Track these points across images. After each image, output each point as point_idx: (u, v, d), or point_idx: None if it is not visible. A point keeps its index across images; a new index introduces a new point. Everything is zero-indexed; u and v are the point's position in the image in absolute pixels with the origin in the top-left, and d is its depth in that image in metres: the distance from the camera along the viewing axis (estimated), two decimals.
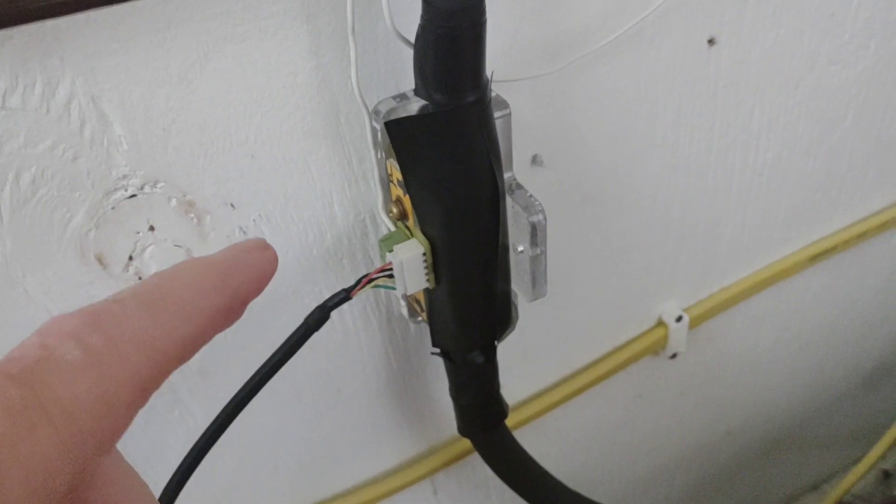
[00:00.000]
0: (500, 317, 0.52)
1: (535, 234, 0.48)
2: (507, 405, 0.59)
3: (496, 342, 0.54)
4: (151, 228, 0.45)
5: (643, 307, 0.76)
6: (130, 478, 0.22)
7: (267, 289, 0.46)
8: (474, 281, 0.49)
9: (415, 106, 0.48)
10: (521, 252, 0.50)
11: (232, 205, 0.46)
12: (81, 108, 0.39)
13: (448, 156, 0.43)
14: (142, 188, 0.43)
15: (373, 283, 0.49)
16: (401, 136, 0.42)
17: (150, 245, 0.45)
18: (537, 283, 0.51)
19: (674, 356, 0.80)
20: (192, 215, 0.45)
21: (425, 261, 0.48)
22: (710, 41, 0.60)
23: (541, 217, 0.48)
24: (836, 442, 1.23)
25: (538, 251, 0.49)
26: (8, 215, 0.40)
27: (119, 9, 0.37)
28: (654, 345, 0.77)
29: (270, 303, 0.52)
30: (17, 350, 0.20)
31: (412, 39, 0.40)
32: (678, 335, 0.77)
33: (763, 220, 0.77)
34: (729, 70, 0.62)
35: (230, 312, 0.25)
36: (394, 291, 0.55)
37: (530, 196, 0.49)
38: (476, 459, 0.73)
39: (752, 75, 0.64)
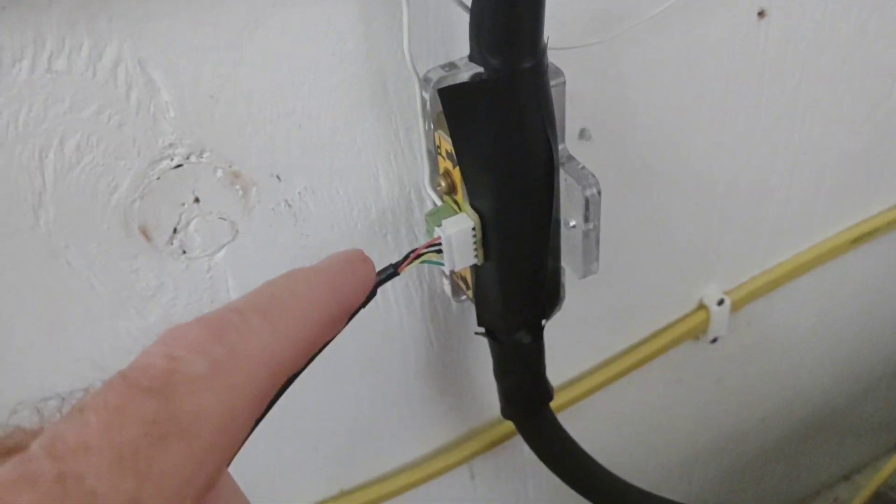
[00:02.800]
0: (549, 295, 0.51)
1: (589, 208, 0.47)
2: (552, 387, 0.58)
3: (544, 322, 0.52)
4: (196, 200, 0.43)
5: (684, 290, 0.74)
6: (237, 491, 0.23)
7: (308, 262, 0.45)
8: (525, 257, 0.47)
9: (465, 75, 0.47)
10: (573, 227, 0.49)
11: (278, 177, 0.45)
12: (128, 73, 0.38)
13: (502, 125, 0.41)
14: (188, 157, 0.42)
15: (421, 259, 0.47)
16: (453, 103, 0.41)
17: (195, 217, 0.44)
18: (589, 259, 0.50)
19: (714, 340, 0.78)
20: (237, 187, 0.44)
21: (474, 236, 0.47)
22: (761, 13, 0.58)
23: (595, 190, 0.46)
24: (868, 430, 1.21)
25: (591, 226, 0.48)
26: (52, 183, 0.39)
27: None
28: (695, 329, 0.75)
29: None
30: (142, 359, 0.19)
31: (467, 4, 0.39)
32: (719, 319, 0.75)
33: (805, 201, 0.75)
34: (777, 44, 0.60)
35: (337, 322, 0.26)
36: (439, 268, 0.53)
37: (583, 168, 0.48)
38: (514, 444, 0.72)
39: (800, 50, 0.62)
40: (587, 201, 0.47)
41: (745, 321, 0.81)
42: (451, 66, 0.47)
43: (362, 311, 0.47)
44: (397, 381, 0.61)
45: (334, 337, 0.26)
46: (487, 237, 0.47)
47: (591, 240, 0.49)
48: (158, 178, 0.42)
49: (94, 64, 0.37)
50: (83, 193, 0.40)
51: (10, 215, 0.39)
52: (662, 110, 0.58)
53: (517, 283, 0.49)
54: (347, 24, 0.42)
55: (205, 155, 0.42)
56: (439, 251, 0.48)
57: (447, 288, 0.56)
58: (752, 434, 1.02)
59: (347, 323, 0.48)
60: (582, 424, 0.77)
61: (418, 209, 0.52)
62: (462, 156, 0.43)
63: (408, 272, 0.55)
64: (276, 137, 0.44)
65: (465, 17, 0.43)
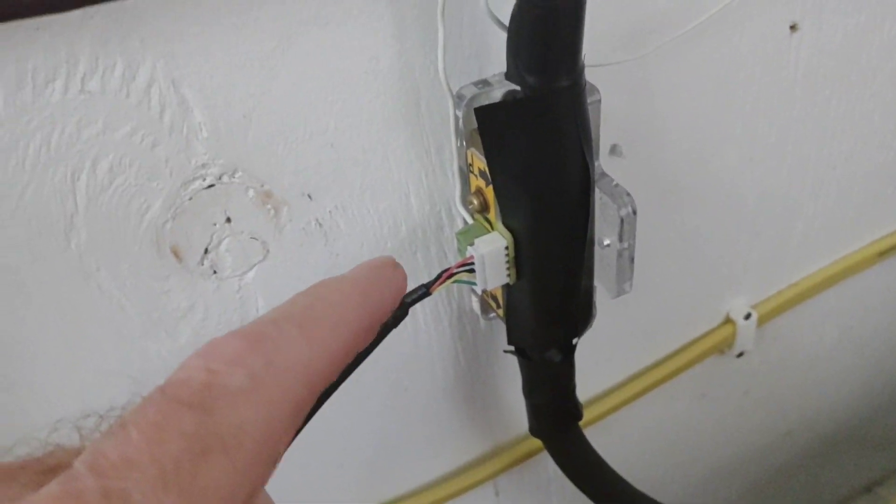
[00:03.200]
0: (581, 314, 0.50)
1: (624, 228, 0.46)
2: (581, 406, 0.57)
3: (575, 340, 0.52)
4: (228, 220, 0.43)
5: (711, 304, 0.73)
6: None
7: None
8: (559, 276, 0.47)
9: (498, 92, 0.46)
10: (607, 246, 0.48)
11: (309, 196, 0.44)
12: (162, 93, 0.37)
13: (539, 143, 0.41)
14: (220, 178, 0.41)
15: (453, 279, 0.47)
16: (490, 122, 0.40)
17: (226, 237, 0.43)
18: (622, 278, 0.49)
19: (740, 355, 0.77)
20: (269, 206, 0.43)
21: (507, 255, 0.46)
22: (792, 27, 0.57)
23: (630, 210, 0.46)
24: (890, 443, 1.20)
25: (625, 245, 0.47)
26: (84, 205, 0.39)
27: None
28: (721, 343, 0.74)
29: None
30: (181, 373, 0.19)
31: (505, 22, 0.38)
32: (746, 333, 0.74)
33: (833, 214, 0.74)
34: (809, 57, 0.59)
35: (369, 331, 0.25)
36: (468, 286, 0.53)
37: (617, 186, 0.47)
38: (539, 461, 0.71)
39: (832, 63, 0.61)
40: (622, 220, 0.46)
41: (770, 335, 0.80)
42: (485, 83, 0.46)
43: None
44: (424, 398, 0.60)
45: (366, 345, 0.26)
46: (520, 256, 0.46)
47: (626, 259, 0.48)
48: (190, 199, 0.41)
49: (128, 84, 0.36)
50: (115, 215, 0.40)
51: (42, 239, 0.38)
52: (693, 125, 0.57)
53: (550, 302, 0.48)
54: (381, 42, 0.41)
55: (237, 175, 0.42)
56: (471, 270, 0.47)
57: (476, 306, 0.55)
58: (776, 447, 1.00)
59: (381, 339, 0.47)
60: (607, 440, 0.76)
61: (448, 227, 0.51)
62: (496, 174, 0.43)
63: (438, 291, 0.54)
64: (308, 156, 0.43)
65: (500, 34, 0.42)
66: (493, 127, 0.40)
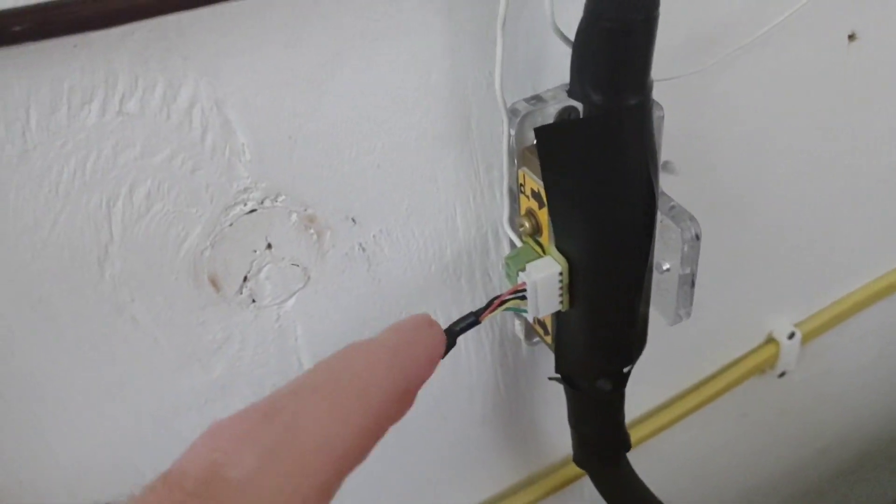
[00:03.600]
0: (637, 341, 0.47)
1: (688, 252, 0.44)
2: (629, 436, 0.54)
3: (628, 368, 0.49)
4: (269, 246, 0.40)
5: (754, 323, 0.71)
6: None
7: (379, 308, 0.42)
8: (616, 303, 0.44)
9: (552, 108, 0.43)
10: (667, 270, 0.45)
11: (353, 219, 0.42)
12: (204, 114, 0.35)
13: (602, 165, 0.38)
14: (262, 202, 0.39)
15: (504, 306, 0.44)
16: (550, 143, 0.38)
17: (266, 264, 0.40)
18: (682, 304, 0.46)
19: (782, 374, 0.75)
20: (312, 231, 0.41)
21: (561, 281, 0.44)
22: (851, 36, 0.54)
23: (695, 233, 0.43)
24: None
25: (688, 270, 0.44)
26: (120, 234, 0.36)
27: (253, 1, 0.33)
28: (763, 363, 0.72)
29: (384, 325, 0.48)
30: (184, 460, 0.18)
31: (569, 37, 0.35)
32: (789, 353, 0.72)
33: (879, 229, 0.71)
34: (865, 68, 0.57)
35: (403, 400, 0.23)
36: (514, 313, 0.50)
37: (678, 207, 0.44)
38: (574, 489, 0.69)
39: (887, 74, 0.59)
40: (686, 245, 0.43)
41: (811, 353, 0.78)
42: (538, 99, 0.43)
43: None
44: (461, 425, 0.57)
45: (400, 418, 0.24)
46: (575, 282, 0.43)
47: (687, 284, 0.45)
48: (231, 225, 0.38)
49: (169, 105, 0.34)
50: (152, 244, 0.37)
51: (74, 270, 0.36)
52: (747, 139, 0.55)
53: (605, 330, 0.45)
54: (433, 56, 0.39)
55: (280, 199, 0.39)
56: (523, 297, 0.44)
57: (520, 331, 0.53)
58: (811, 465, 0.98)
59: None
60: (645, 464, 0.73)
61: (495, 250, 0.48)
62: (553, 197, 0.40)
63: None
64: (354, 178, 0.40)
65: (556, 48, 0.40)
66: (553, 147, 0.38)
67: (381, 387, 0.22)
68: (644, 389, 0.67)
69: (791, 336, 0.71)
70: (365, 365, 0.22)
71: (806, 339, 0.72)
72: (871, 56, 0.56)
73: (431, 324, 0.26)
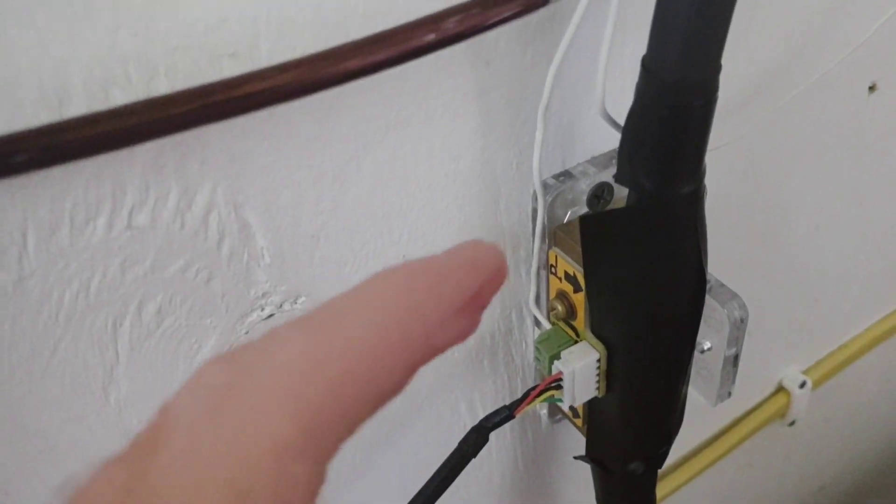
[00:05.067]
0: (675, 424, 0.44)
1: (734, 332, 0.41)
2: None
3: (664, 449, 0.46)
4: None
5: (764, 373, 0.68)
6: None
7: (400, 398, 0.38)
8: (656, 388, 0.41)
9: (582, 185, 0.41)
10: (708, 350, 0.43)
11: None
12: (221, 220, 0.31)
13: (652, 251, 0.35)
14: (280, 306, 0.35)
15: (542, 398, 0.41)
16: (595, 231, 0.35)
17: None
18: (725, 384, 0.44)
19: (792, 423, 0.72)
20: None
21: (598, 368, 0.41)
22: (872, 87, 0.52)
23: (742, 314, 0.40)
24: None
25: (734, 351, 0.42)
26: (126, 354, 0.32)
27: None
28: (775, 414, 0.69)
29: (403, 410, 0.44)
30: None
31: (619, 122, 0.33)
32: (800, 402, 0.70)
33: (886, 275, 0.70)
34: (883, 118, 0.55)
35: (433, 331, 0.18)
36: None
37: (723, 286, 0.42)
38: None
39: None
40: (732, 326, 0.40)
41: (818, 399, 0.76)
42: (567, 175, 0.41)
43: (451, 434, 0.41)
44: None
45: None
46: (613, 368, 0.41)
47: (731, 364, 0.42)
48: (247, 333, 0.35)
49: (183, 214, 0.30)
50: (162, 361, 0.33)
51: (76, 398, 0.32)
52: (767, 198, 0.52)
53: (643, 415, 0.43)
54: (464, 140, 0.35)
55: (299, 301, 0.35)
56: (558, 387, 0.41)
57: (544, 411, 0.50)
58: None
59: (460, 470, 0.40)
60: None
61: (518, 330, 0.45)
62: (594, 283, 0.37)
63: (501, 393, 0.48)
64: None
65: (583, 122, 0.37)
66: (598, 234, 0.35)
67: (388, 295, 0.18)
68: None
69: (802, 385, 0.69)
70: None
71: (815, 385, 0.70)
72: (888, 106, 0.54)
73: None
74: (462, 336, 0.18)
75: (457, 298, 0.18)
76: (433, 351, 0.18)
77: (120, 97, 0.26)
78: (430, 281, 0.18)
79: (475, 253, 0.19)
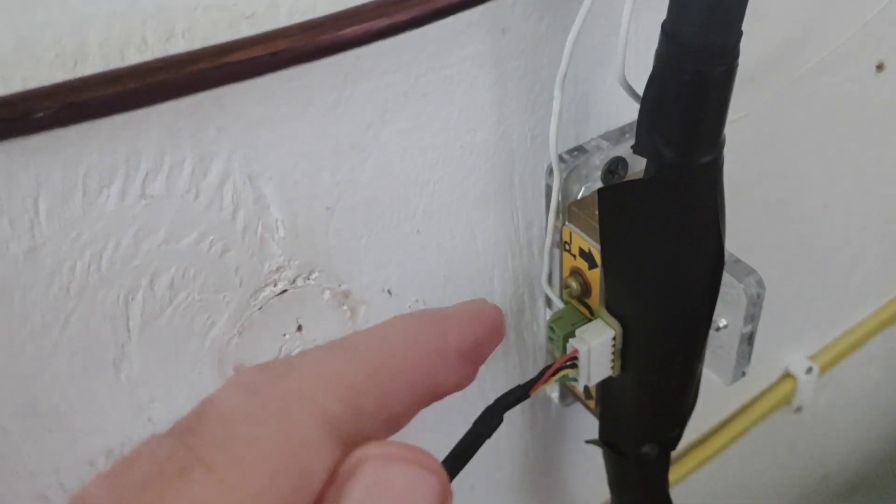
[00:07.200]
0: (690, 404, 0.44)
1: (751, 309, 0.40)
2: (672, 501, 0.50)
3: (678, 433, 0.45)
4: (300, 328, 0.36)
5: (770, 359, 0.68)
6: None
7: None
8: (672, 367, 0.40)
9: (596, 160, 0.40)
10: (724, 328, 0.42)
11: (389, 291, 0.37)
12: (236, 190, 0.30)
13: (671, 224, 0.34)
14: (293, 281, 0.34)
15: (557, 376, 0.40)
16: (613, 203, 0.34)
17: (296, 348, 0.36)
18: (741, 363, 0.43)
19: (798, 409, 0.72)
20: (345, 307, 0.36)
21: (613, 346, 0.40)
22: (879, 66, 0.52)
23: (760, 290, 0.40)
24: None
25: (750, 328, 0.41)
26: (138, 330, 0.31)
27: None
28: (781, 400, 0.69)
29: None
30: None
31: (638, 91, 0.32)
32: (806, 388, 0.69)
33: (892, 256, 0.69)
34: (891, 98, 0.55)
35: (443, 358, 0.20)
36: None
37: (739, 262, 0.41)
38: None
39: None
40: (750, 302, 0.40)
41: (824, 385, 0.75)
42: (580, 150, 0.40)
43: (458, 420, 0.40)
44: (488, 495, 0.53)
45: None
46: (628, 346, 0.40)
47: (747, 342, 0.42)
48: (260, 309, 0.34)
49: (198, 183, 0.29)
50: (174, 337, 0.32)
51: (87, 374, 0.31)
52: (777, 175, 0.52)
53: (659, 395, 0.42)
54: (480, 112, 0.35)
55: (313, 276, 0.34)
56: (573, 366, 0.41)
57: (555, 393, 0.49)
58: (813, 494, 0.96)
59: (475, 451, 0.40)
60: None
61: (530, 310, 0.45)
62: (611, 258, 0.36)
63: (512, 377, 0.47)
64: (393, 247, 0.36)
65: (598, 95, 0.36)
66: (616, 207, 0.34)
67: (408, 338, 0.20)
68: None
69: (809, 371, 0.68)
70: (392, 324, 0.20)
71: (821, 371, 0.70)
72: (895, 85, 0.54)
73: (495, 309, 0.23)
74: (460, 385, 0.21)
75: (459, 344, 0.20)
76: (434, 389, 0.20)
77: (135, 59, 0.25)
78: (436, 321, 0.20)
79: (479, 307, 0.22)
